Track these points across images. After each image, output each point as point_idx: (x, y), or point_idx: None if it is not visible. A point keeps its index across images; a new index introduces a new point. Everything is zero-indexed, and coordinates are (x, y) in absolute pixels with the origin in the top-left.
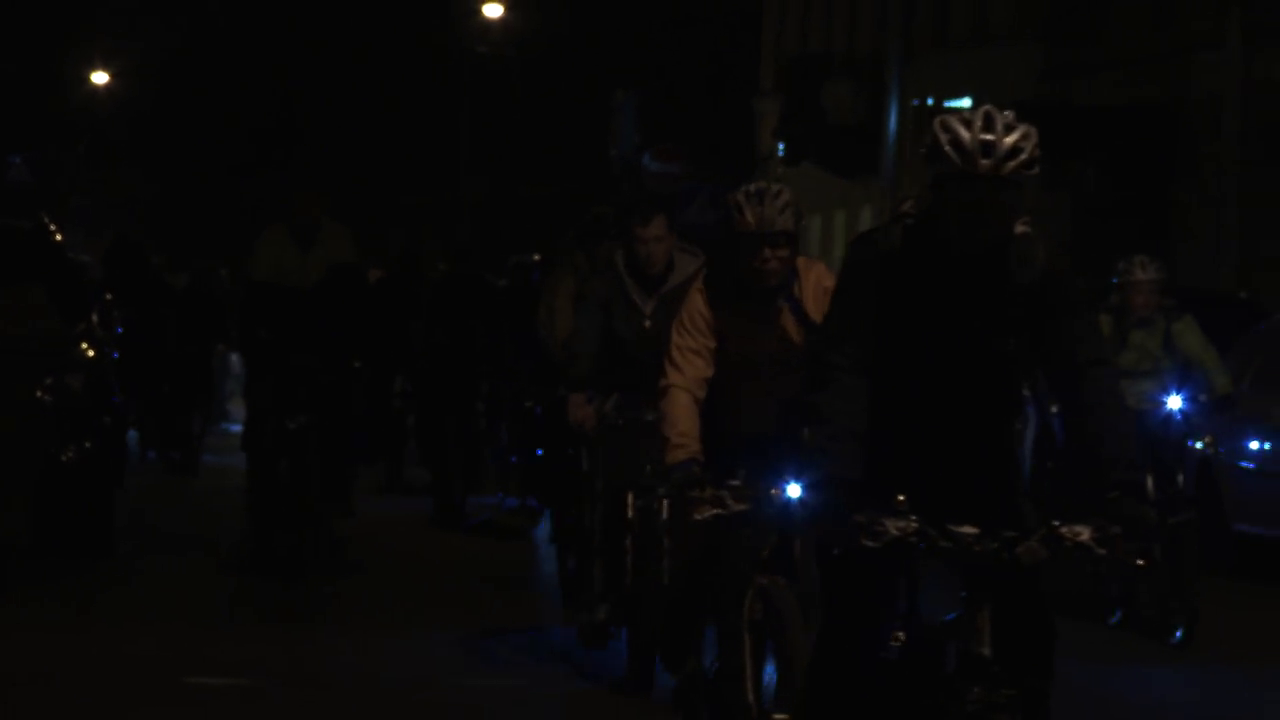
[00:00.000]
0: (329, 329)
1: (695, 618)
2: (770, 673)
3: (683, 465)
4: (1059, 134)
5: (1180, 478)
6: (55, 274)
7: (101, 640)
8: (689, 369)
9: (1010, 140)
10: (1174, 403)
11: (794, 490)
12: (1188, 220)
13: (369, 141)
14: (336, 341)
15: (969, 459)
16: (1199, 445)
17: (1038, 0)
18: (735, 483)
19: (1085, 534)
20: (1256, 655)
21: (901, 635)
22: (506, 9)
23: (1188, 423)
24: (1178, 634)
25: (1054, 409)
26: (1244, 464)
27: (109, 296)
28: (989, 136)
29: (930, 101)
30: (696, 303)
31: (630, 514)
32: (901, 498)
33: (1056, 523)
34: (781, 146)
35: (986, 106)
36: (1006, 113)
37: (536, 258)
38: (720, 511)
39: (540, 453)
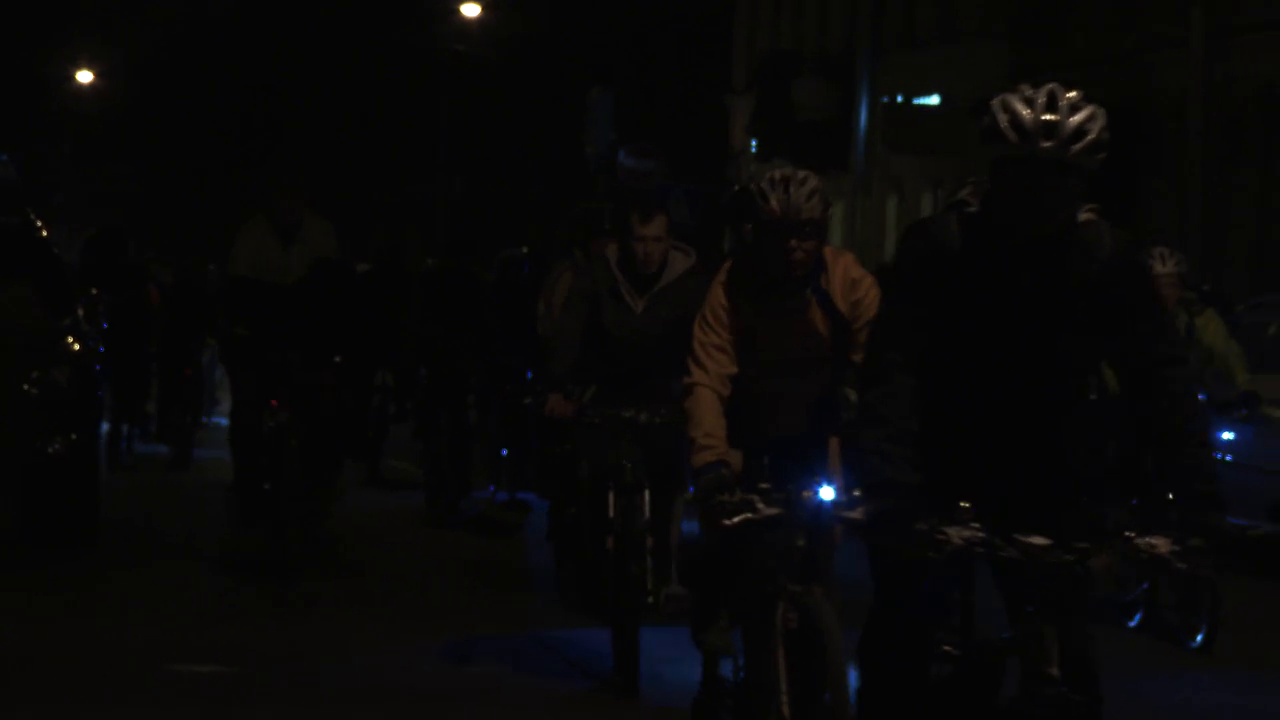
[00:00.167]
0: (311, 325)
1: (727, 631)
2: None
3: (711, 468)
4: None
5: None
6: (41, 269)
7: (88, 628)
8: (713, 366)
9: (1075, 120)
10: None
11: (827, 493)
12: (1152, 214)
13: (350, 139)
14: (318, 337)
15: (1031, 462)
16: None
17: (1004, 0)
18: (765, 485)
19: (1163, 546)
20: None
21: (954, 650)
22: (484, 9)
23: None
24: (1199, 638)
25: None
26: (1214, 455)
27: (94, 291)
28: (1052, 116)
29: (899, 99)
30: (719, 296)
31: (611, 513)
32: (965, 504)
33: (1130, 533)
34: (754, 143)
35: (1051, 85)
36: (1073, 92)
37: (525, 250)
38: (751, 516)
39: (535, 444)
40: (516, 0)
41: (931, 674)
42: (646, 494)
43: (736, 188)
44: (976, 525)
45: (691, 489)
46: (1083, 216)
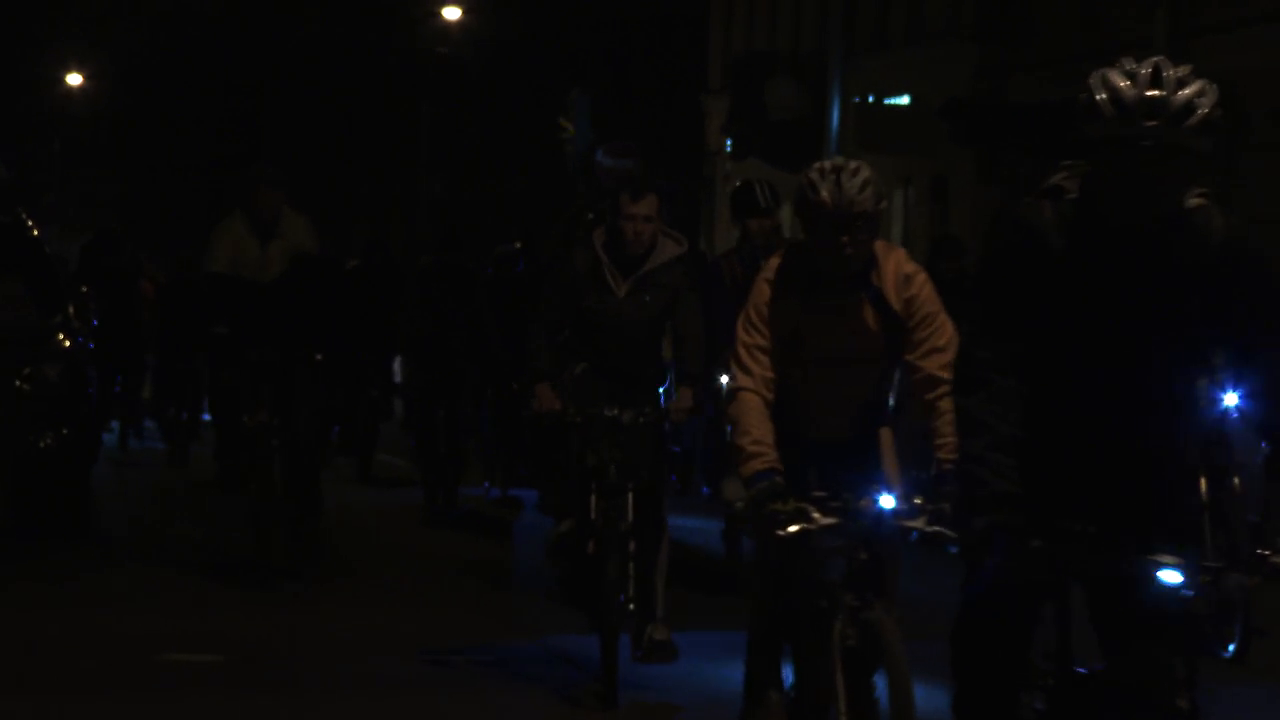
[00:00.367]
0: (290, 322)
1: (778, 644)
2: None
3: (762, 476)
4: (993, 129)
5: (1236, 481)
6: (32, 267)
7: (81, 619)
8: (758, 369)
9: (1183, 96)
10: (1230, 400)
11: (886, 501)
12: None
13: (333, 139)
14: (298, 335)
15: (1142, 469)
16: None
17: (972, 1)
18: (821, 494)
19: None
20: None
21: (1051, 680)
22: (464, 12)
23: (1244, 420)
24: (1230, 648)
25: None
26: None
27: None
28: (1157, 92)
29: (870, 99)
30: (764, 294)
31: (593, 515)
32: (1081, 520)
33: (1265, 550)
34: (729, 142)
35: (1156, 58)
36: (1181, 66)
37: (519, 245)
38: (806, 526)
39: (529, 441)
40: (496, 3)
41: (1022, 703)
42: (630, 496)
43: (738, 182)
44: (1093, 542)
45: (692, 489)
46: (1192, 201)
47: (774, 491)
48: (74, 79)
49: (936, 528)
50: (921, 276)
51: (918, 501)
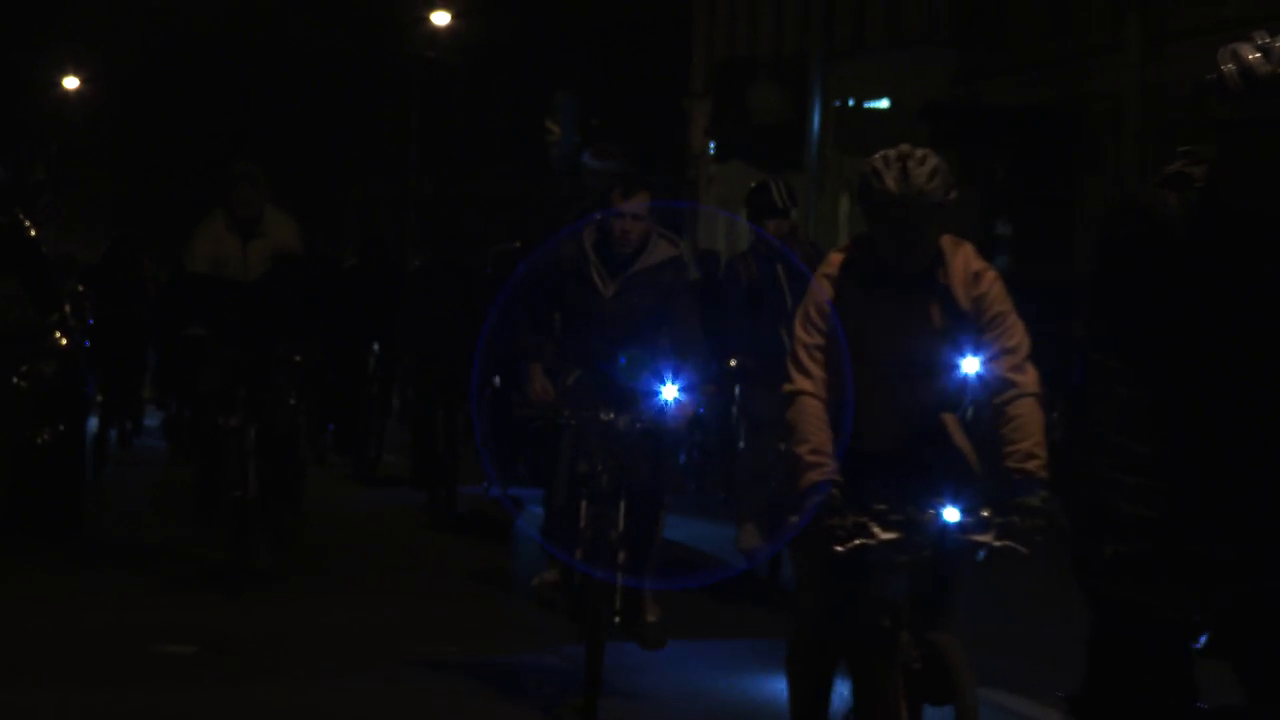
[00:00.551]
0: (270, 323)
1: (827, 670)
2: None
3: (819, 488)
4: (969, 133)
5: None
6: (29, 267)
7: (72, 612)
8: (818, 371)
9: None
10: None
11: (951, 514)
12: (1090, 213)
13: (324, 141)
14: (278, 336)
15: None
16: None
17: (948, 7)
18: (882, 507)
19: None
20: None
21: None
22: (453, 18)
23: None
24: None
25: None
26: None
27: (81, 289)
28: None
29: (850, 102)
30: (823, 292)
31: (583, 523)
32: (1222, 543)
33: None
34: (712, 145)
35: None
36: None
37: (518, 244)
38: (867, 542)
39: (528, 439)
40: (484, 9)
41: None
42: (622, 505)
43: (754, 184)
44: (1238, 568)
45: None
46: None
47: (831, 505)
48: (71, 82)
49: (1007, 542)
50: (991, 274)
51: (985, 514)
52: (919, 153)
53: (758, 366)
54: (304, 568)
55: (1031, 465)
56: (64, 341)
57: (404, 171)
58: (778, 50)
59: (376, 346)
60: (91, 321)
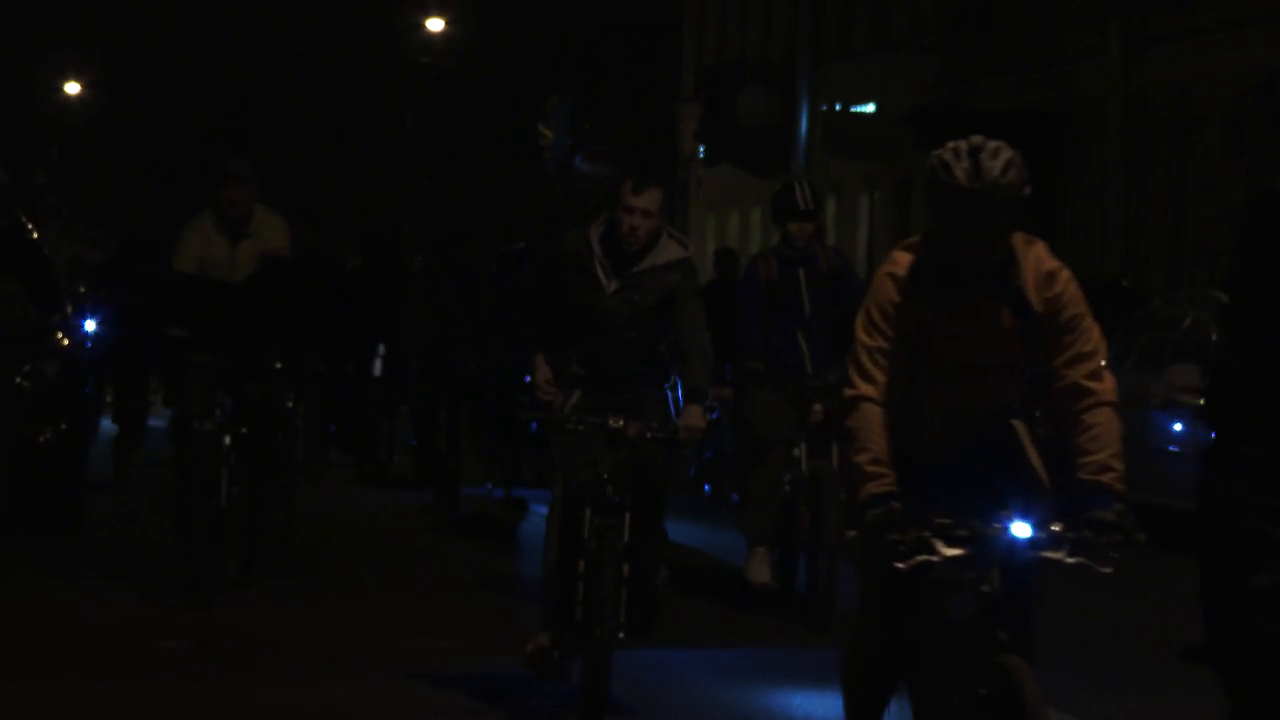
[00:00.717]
0: (254, 327)
1: (886, 688)
2: None
3: (880, 500)
4: (954, 135)
5: None
6: (31, 269)
7: (71, 607)
8: (882, 376)
9: None
10: None
11: (1021, 529)
12: (1074, 214)
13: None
14: (260, 340)
15: None
16: None
17: (933, 12)
18: (945, 521)
19: None
20: None
21: None
22: (448, 24)
23: None
24: None
25: None
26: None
27: (82, 290)
28: None
29: (837, 106)
30: (888, 291)
31: (586, 534)
32: None
33: None
34: (702, 148)
35: None
36: None
37: (523, 245)
38: (930, 559)
39: (533, 440)
40: (478, 15)
41: None
42: (627, 516)
43: (779, 186)
44: None
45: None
46: None
47: (892, 519)
48: (72, 87)
49: (1081, 559)
50: (1066, 274)
51: (1056, 528)
52: (992, 144)
53: (768, 370)
54: (305, 567)
55: (1107, 478)
56: (66, 342)
57: (400, 174)
58: (766, 54)
59: (382, 347)
60: (98, 319)
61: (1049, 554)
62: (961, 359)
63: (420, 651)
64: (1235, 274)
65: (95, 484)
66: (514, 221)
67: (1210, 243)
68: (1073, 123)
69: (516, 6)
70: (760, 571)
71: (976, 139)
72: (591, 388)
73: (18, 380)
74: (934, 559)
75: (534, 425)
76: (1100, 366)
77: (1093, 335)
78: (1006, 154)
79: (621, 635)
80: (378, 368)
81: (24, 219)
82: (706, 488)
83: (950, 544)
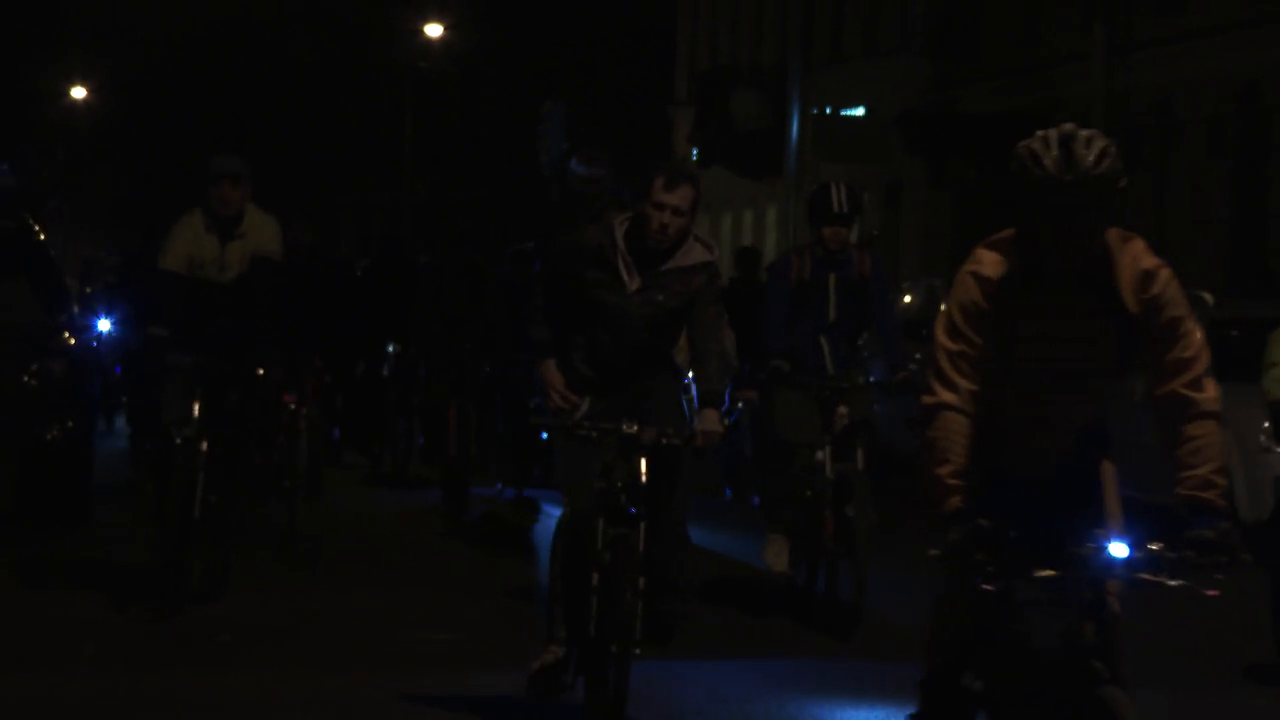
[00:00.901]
0: (239, 330)
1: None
2: None
3: (964, 516)
4: (943, 138)
5: None
6: (38, 269)
7: (79, 602)
8: (965, 383)
9: None
10: None
11: (1118, 549)
12: None
13: (322, 149)
14: (245, 344)
15: None
16: None
17: (923, 18)
18: (1035, 538)
19: None
20: None
21: None
22: (445, 29)
23: None
24: None
25: None
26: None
27: (89, 290)
28: None
29: (828, 110)
30: (972, 292)
31: (600, 545)
32: None
33: None
34: (695, 151)
35: None
36: None
37: (531, 245)
38: (1019, 580)
39: (545, 440)
40: (475, 21)
41: None
42: (643, 526)
43: (814, 187)
44: None
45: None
46: None
47: (978, 536)
48: (78, 92)
49: (1183, 581)
50: (1165, 273)
51: (1155, 548)
52: (1084, 132)
53: (792, 370)
54: (313, 566)
55: (1209, 494)
56: (72, 341)
57: (399, 177)
58: (758, 59)
59: (392, 348)
60: (113, 319)
61: (1147, 576)
62: (1051, 365)
63: (430, 653)
64: None
65: (102, 484)
66: (512, 224)
67: (1193, 245)
68: (1057, 126)
69: (513, 12)
70: (778, 559)
71: (1068, 127)
72: (601, 392)
73: (25, 379)
74: (1023, 580)
75: (544, 434)
76: (1202, 374)
77: (1194, 340)
78: (1100, 142)
79: (637, 651)
80: (386, 368)
81: (31, 221)
82: (728, 492)
83: (1040, 564)
